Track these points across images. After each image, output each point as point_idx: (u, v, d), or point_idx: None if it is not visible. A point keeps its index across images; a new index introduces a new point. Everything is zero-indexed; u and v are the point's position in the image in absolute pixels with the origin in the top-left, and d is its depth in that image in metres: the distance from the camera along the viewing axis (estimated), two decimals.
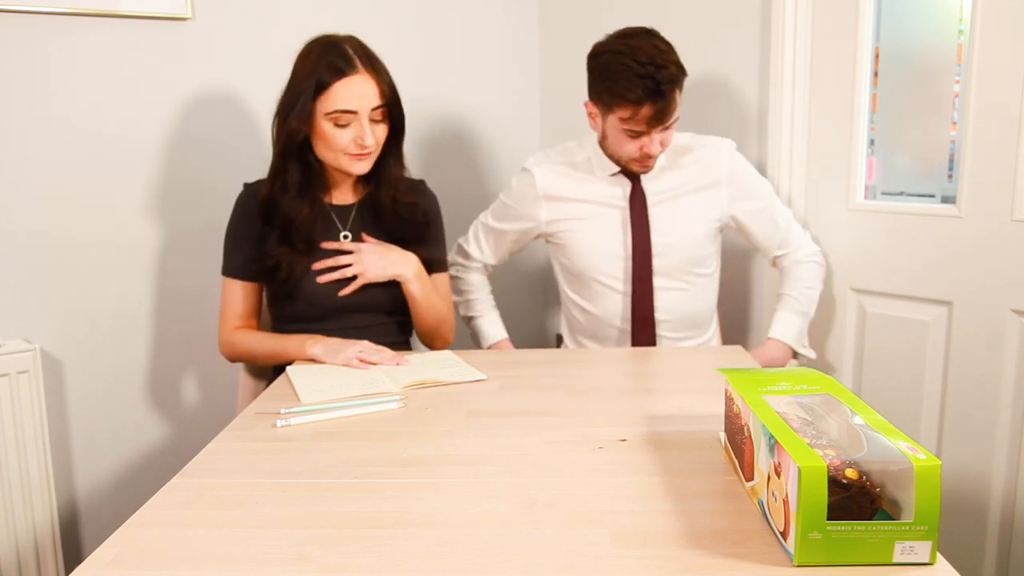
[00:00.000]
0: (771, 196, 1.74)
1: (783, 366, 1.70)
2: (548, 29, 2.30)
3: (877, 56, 1.77)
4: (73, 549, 1.85)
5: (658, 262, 1.68)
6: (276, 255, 1.47)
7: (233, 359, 1.57)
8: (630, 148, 1.59)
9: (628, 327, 1.71)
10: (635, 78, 1.48)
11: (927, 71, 1.71)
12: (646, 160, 1.61)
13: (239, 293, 1.54)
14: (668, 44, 1.53)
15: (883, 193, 1.81)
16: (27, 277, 1.74)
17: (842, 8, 1.76)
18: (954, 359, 1.68)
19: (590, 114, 1.64)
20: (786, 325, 1.71)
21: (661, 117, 1.53)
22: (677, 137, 1.69)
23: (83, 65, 1.73)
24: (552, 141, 2.35)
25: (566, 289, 1.79)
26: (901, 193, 1.79)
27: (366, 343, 1.44)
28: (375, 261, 1.50)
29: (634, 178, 1.67)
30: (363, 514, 0.86)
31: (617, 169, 1.67)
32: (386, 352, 1.43)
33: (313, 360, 1.44)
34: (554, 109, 2.34)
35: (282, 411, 1.18)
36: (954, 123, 1.67)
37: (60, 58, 1.71)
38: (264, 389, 1.60)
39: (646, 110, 1.51)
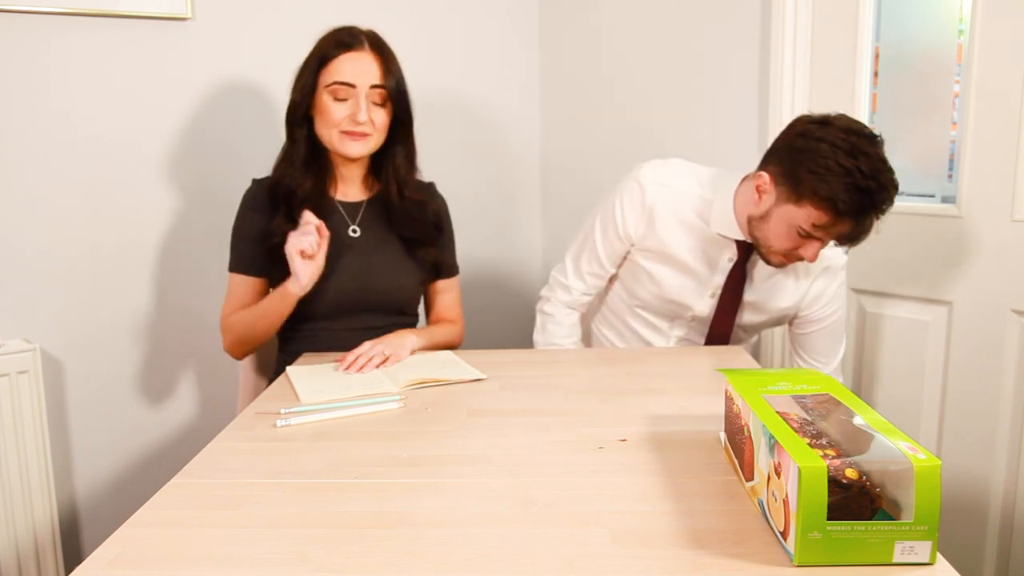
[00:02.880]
0: (841, 317, 1.59)
1: None
2: (547, 25, 2.30)
3: (877, 56, 1.77)
4: (73, 549, 1.85)
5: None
6: (280, 233, 1.45)
7: (234, 345, 1.53)
8: (788, 246, 1.37)
9: (679, 338, 1.64)
10: (853, 189, 1.26)
11: (927, 71, 1.71)
12: (795, 261, 1.42)
13: (244, 288, 1.53)
14: (888, 165, 1.31)
15: None
16: (27, 277, 1.74)
17: (842, 8, 1.76)
18: (954, 359, 1.68)
19: (759, 188, 1.38)
20: None
21: (854, 238, 1.33)
22: None
23: (83, 65, 1.73)
24: (552, 137, 2.35)
25: (619, 292, 1.66)
26: (901, 193, 1.78)
27: (292, 234, 1.39)
28: (389, 342, 1.45)
29: (743, 256, 1.49)
30: (363, 514, 0.86)
31: (735, 237, 1.47)
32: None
33: (300, 299, 1.41)
34: (554, 104, 2.34)
35: (282, 411, 1.18)
36: (954, 123, 1.67)
37: (60, 58, 1.71)
38: (266, 386, 1.60)
39: (843, 226, 1.31)
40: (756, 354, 1.97)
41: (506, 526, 0.82)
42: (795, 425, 0.79)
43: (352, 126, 1.43)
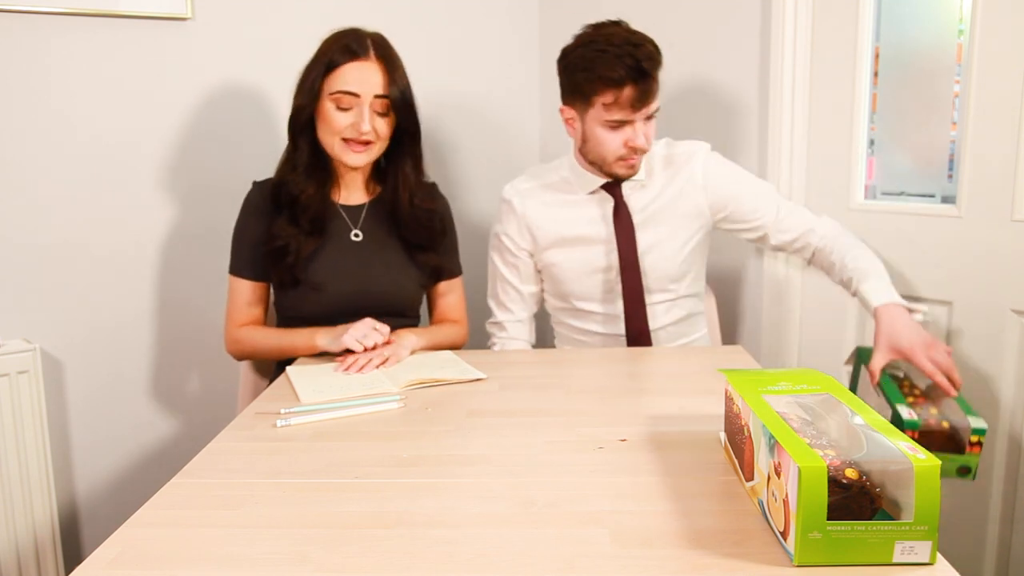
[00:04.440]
0: (750, 180, 1.67)
1: (907, 326, 1.44)
2: (547, 25, 2.30)
3: (877, 56, 1.77)
4: (73, 549, 1.85)
5: (646, 280, 1.63)
6: (284, 236, 1.47)
7: (240, 357, 1.56)
8: (614, 145, 1.52)
9: (619, 340, 1.67)
10: (614, 59, 1.44)
11: (927, 71, 1.71)
12: (632, 156, 1.54)
13: (246, 292, 1.53)
14: (639, 31, 1.49)
15: (883, 193, 1.81)
16: (27, 277, 1.74)
17: (842, 8, 1.76)
18: (954, 359, 1.68)
19: (567, 120, 1.59)
20: (881, 292, 1.50)
21: (644, 98, 1.47)
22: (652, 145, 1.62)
23: (83, 65, 1.73)
24: (552, 137, 2.35)
25: (555, 304, 1.75)
26: (901, 193, 1.78)
27: (367, 320, 1.42)
28: (392, 345, 1.46)
29: (616, 194, 1.61)
30: (363, 514, 0.86)
31: (598, 184, 1.61)
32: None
33: (324, 351, 1.44)
34: (554, 104, 2.34)
35: (282, 411, 1.18)
36: (954, 123, 1.67)
37: (60, 58, 1.71)
38: (266, 385, 1.60)
39: (628, 91, 1.45)
40: (756, 354, 1.97)
41: (506, 526, 0.82)
42: (795, 425, 0.79)
43: (354, 135, 1.43)
